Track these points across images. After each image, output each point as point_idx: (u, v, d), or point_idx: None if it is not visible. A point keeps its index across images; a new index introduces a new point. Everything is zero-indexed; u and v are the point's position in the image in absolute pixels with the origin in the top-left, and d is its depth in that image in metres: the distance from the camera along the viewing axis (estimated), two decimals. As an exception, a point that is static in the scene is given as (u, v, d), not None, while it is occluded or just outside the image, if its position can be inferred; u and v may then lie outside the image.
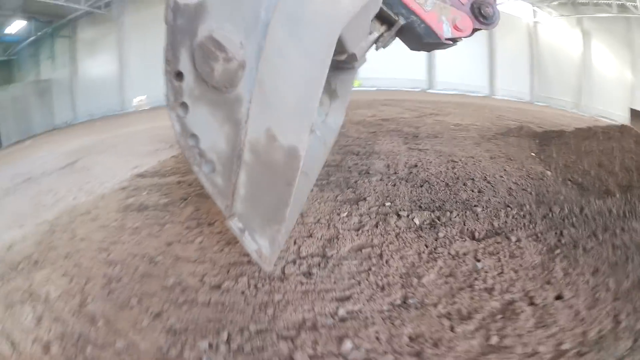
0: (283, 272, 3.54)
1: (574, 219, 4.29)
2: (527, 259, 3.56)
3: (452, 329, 2.76)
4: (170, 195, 5.83)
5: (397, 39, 4.14)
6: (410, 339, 2.70)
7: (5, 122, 25.31)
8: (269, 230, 2.72)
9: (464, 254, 3.68)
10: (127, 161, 9.13)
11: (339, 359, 2.55)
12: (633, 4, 22.95)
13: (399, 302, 3.08)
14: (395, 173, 5.99)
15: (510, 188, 5.21)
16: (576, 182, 5.43)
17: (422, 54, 28.34)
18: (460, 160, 6.63)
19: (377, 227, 4.24)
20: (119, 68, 29.14)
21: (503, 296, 3.07)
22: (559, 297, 3.02)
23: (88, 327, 3.10)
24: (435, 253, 3.72)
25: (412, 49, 4.25)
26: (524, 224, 4.21)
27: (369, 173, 6.02)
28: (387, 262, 3.62)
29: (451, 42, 3.90)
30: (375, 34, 3.78)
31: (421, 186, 5.39)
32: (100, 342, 2.93)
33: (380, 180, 5.67)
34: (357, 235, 4.10)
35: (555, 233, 3.99)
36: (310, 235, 4.13)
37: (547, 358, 2.48)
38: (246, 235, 2.74)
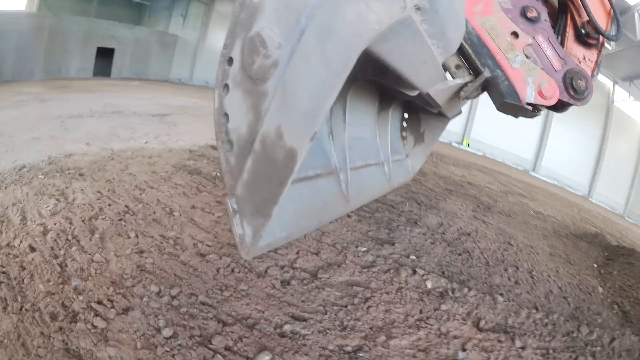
0: (266, 270, 3.56)
1: (598, 348, 3.85)
2: None
3: None
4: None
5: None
6: None
7: (121, 57, 26.91)
8: (255, 222, 2.77)
9: (454, 337, 3.31)
10: (211, 131, 9.37)
11: None
12: None
13: (349, 349, 2.86)
14: (443, 234, 5.70)
15: (550, 291, 4.72)
16: (623, 309, 4.85)
17: (535, 134, 27.44)
18: (517, 245, 6.20)
19: (385, 273, 4.02)
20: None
21: None
22: None
23: (85, 235, 3.54)
24: (425, 322, 3.41)
25: (497, 108, 3.98)
26: (541, 333, 3.77)
27: (416, 224, 5.74)
28: (368, 308, 3.41)
29: (532, 109, 3.60)
30: (459, 81, 3.61)
31: (460, 254, 5.06)
32: (85, 248, 3.33)
33: (423, 234, 5.41)
34: (360, 272, 3.95)
35: (570, 356, 3.58)
36: (317, 254, 4.07)
37: None
38: (237, 218, 2.81)
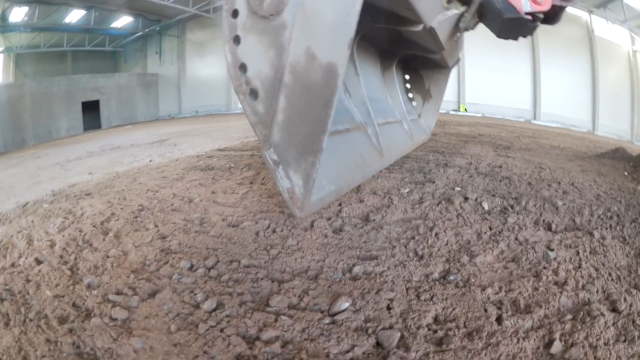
0: (311, 224, 3.21)
1: None
2: (611, 258, 2.89)
3: (499, 320, 2.09)
4: (237, 163, 5.84)
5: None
6: (435, 320, 2.10)
7: (107, 107, 27.42)
8: (304, 164, 2.66)
9: (535, 242, 3.05)
10: (214, 141, 9.51)
11: (324, 317, 2.03)
12: None
13: (436, 276, 2.54)
14: (476, 169, 5.54)
15: (598, 195, 4.62)
16: None
17: (527, 84, 27.24)
18: (549, 168, 6.11)
19: (438, 205, 3.77)
20: (227, 71, 30.30)
21: (577, 294, 2.35)
22: None
23: (98, 237, 3.18)
24: (499, 236, 3.14)
25: (496, 34, 3.97)
26: (611, 225, 3.60)
27: (447, 165, 5.61)
28: (436, 234, 3.11)
29: (531, 20, 3.67)
30: (455, 11, 3.72)
31: (500, 181, 4.87)
32: (98, 247, 2.97)
33: (458, 172, 5.22)
34: (412, 208, 3.65)
35: None
36: (360, 202, 3.76)
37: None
38: (280, 170, 2.72)
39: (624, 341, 1.97)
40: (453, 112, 25.32)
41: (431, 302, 2.20)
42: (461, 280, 2.48)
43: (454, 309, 2.16)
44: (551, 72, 26.96)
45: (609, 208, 4.05)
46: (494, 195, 4.19)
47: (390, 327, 1.97)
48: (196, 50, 31.26)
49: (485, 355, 1.80)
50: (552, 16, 3.83)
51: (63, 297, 2.24)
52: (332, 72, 2.42)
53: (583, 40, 27.61)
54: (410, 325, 1.99)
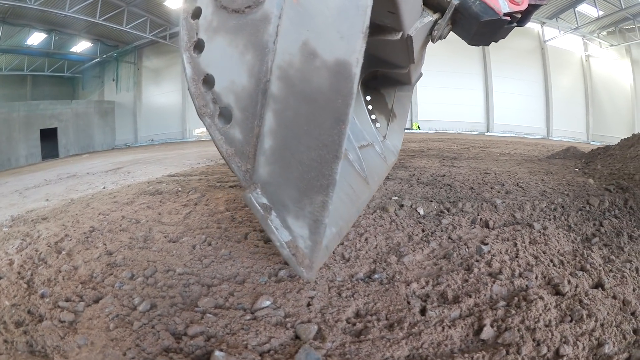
0: (245, 236, 3.38)
1: (616, 211, 4.03)
2: (553, 245, 3.06)
3: (422, 311, 2.18)
4: (185, 187, 6.03)
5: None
6: (356, 314, 2.20)
7: (65, 135, 27.07)
8: (310, 205, 2.11)
9: (469, 239, 3.20)
10: (166, 168, 9.81)
11: (246, 314, 2.16)
12: None
13: (361, 275, 2.64)
14: (418, 179, 5.70)
15: (544, 191, 4.81)
16: (621, 186, 5.00)
17: (479, 97, 28.08)
18: (495, 172, 6.30)
19: (372, 214, 3.86)
20: (182, 98, 30.28)
21: (513, 281, 2.47)
22: (598, 286, 2.45)
23: (52, 255, 3.34)
24: (432, 236, 3.29)
25: (468, 41, 3.97)
26: (555, 216, 3.84)
27: (387, 179, 5.64)
28: (366, 239, 3.23)
29: (509, 21, 3.59)
30: (430, 18, 3.51)
31: (441, 188, 5.06)
32: (52, 264, 3.13)
33: (398, 183, 5.35)
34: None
35: (594, 224, 3.65)
36: None
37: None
38: (273, 218, 2.18)
39: (570, 321, 2.06)
40: (406, 131, 25.94)
41: (352, 299, 2.31)
42: (386, 278, 2.59)
43: (375, 304, 2.26)
44: (503, 85, 28.01)
45: (553, 201, 4.24)
46: (431, 201, 4.29)
47: (309, 321, 2.08)
48: (152, 78, 31.15)
49: (406, 344, 1.88)
50: (523, 17, 3.71)
51: (19, 305, 2.41)
52: (343, 73, 1.91)
53: (535, 51, 28.96)
54: (328, 319, 2.10)
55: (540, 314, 2.08)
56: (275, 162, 2.13)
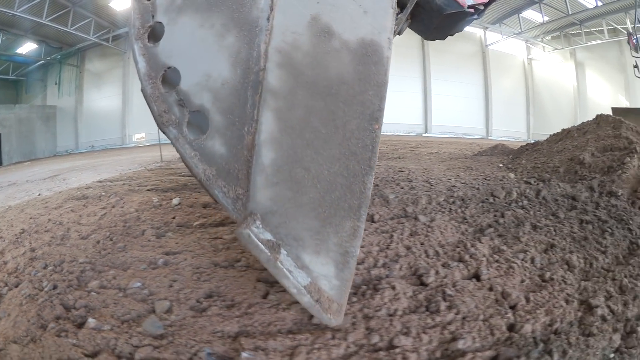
0: (142, 233, 3.90)
1: (525, 202, 4.13)
2: (435, 237, 3.15)
3: (265, 296, 2.41)
4: (108, 191, 6.47)
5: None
6: (208, 295, 2.52)
7: (8, 142, 26.18)
8: (335, 236, 1.71)
9: None
10: (99, 175, 10.24)
11: (120, 292, 2.64)
12: (623, 26, 22.94)
13: (225, 264, 3.01)
14: None
15: (453, 186, 4.80)
16: (542, 179, 5.08)
17: (418, 99, 28.72)
18: (409, 170, 6.35)
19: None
20: (122, 103, 29.50)
21: (370, 271, 2.59)
22: (473, 277, 2.54)
23: None
24: None
25: (426, 36, 3.88)
26: (451, 209, 3.92)
27: None
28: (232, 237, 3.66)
29: (473, 13, 3.51)
30: None
31: None
32: None
33: None
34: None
35: (495, 215, 3.74)
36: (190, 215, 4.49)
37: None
38: (284, 258, 1.72)
39: (425, 312, 2.11)
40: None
41: (208, 282, 2.67)
42: (245, 265, 2.91)
43: (226, 287, 2.58)
44: (443, 87, 28.71)
45: (453, 194, 4.27)
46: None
47: (165, 299, 2.46)
48: (94, 81, 30.07)
49: (238, 322, 2.15)
50: (485, 6, 3.65)
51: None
52: (373, 57, 1.60)
53: (476, 55, 29.76)
54: (181, 298, 2.48)
55: (385, 303, 2.14)
56: (280, 182, 1.67)
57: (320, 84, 1.59)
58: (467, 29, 25.09)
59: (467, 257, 2.76)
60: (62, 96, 29.78)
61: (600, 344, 1.88)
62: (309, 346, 1.86)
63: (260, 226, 1.66)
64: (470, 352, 1.79)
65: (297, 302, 1.99)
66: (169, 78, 1.84)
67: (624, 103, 25.46)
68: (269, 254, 1.66)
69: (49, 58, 28.74)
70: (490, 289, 2.34)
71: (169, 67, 1.79)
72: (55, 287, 2.79)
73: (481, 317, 2.07)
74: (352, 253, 1.71)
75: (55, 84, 29.69)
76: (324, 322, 1.85)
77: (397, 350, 1.80)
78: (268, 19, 1.65)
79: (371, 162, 1.63)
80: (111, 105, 29.54)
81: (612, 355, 1.84)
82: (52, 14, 22.76)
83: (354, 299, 2.24)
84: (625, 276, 2.56)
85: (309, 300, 1.74)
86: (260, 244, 1.65)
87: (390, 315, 2.07)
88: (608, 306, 2.20)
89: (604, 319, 2.09)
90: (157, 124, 1.84)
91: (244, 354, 1.83)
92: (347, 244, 1.69)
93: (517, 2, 24.95)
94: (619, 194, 4.25)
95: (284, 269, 1.69)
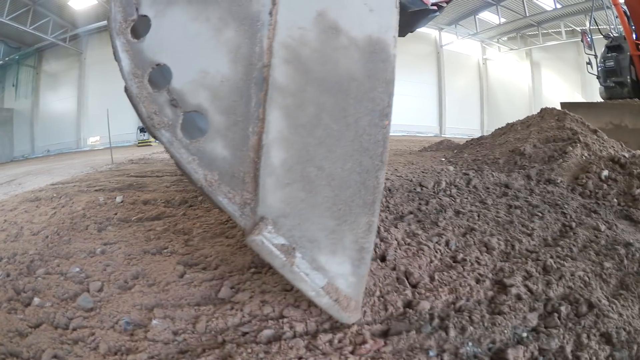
0: (86, 227, 4.42)
1: (454, 190, 4.31)
2: None
3: (182, 275, 2.89)
4: (59, 193, 6.87)
5: None
6: (135, 276, 2.93)
7: None
8: (351, 233, 1.71)
9: None
10: (53, 178, 10.55)
11: (61, 276, 3.07)
12: (582, 27, 23.24)
13: (154, 251, 3.46)
14: None
15: (386, 179, 4.81)
16: (480, 170, 5.20)
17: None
18: None
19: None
20: (77, 106, 29.19)
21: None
22: (378, 258, 2.76)
23: None
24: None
25: None
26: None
27: None
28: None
29: (436, 10, 3.61)
30: None
31: None
32: None
33: None
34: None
35: (419, 204, 3.88)
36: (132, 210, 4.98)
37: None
38: (299, 262, 1.70)
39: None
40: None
41: (136, 266, 3.11)
42: (170, 252, 3.40)
43: (151, 270, 3.01)
44: (397, 86, 29.12)
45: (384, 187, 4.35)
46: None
47: (98, 280, 2.89)
48: (50, 83, 29.53)
49: (155, 296, 2.56)
50: (446, 3, 3.74)
51: None
52: (380, 55, 1.66)
53: (430, 55, 30.41)
54: (111, 279, 2.91)
55: (283, 280, 2.25)
56: (292, 183, 1.65)
57: (330, 81, 1.61)
58: (422, 29, 25.86)
59: (377, 240, 2.85)
60: (19, 98, 29.08)
61: (511, 322, 1.91)
62: (210, 315, 2.24)
63: (273, 231, 1.65)
64: (358, 324, 1.87)
65: (209, 280, 2.56)
66: (157, 76, 1.77)
67: (580, 100, 26.43)
68: (284, 258, 1.65)
69: (7, 59, 28.08)
70: (394, 269, 2.50)
71: (157, 64, 1.70)
72: (8, 275, 3.24)
73: (377, 293, 2.20)
74: (367, 249, 1.73)
75: (13, 85, 28.96)
76: (342, 321, 1.83)
77: (285, 320, 2.02)
78: (270, 13, 1.63)
79: (383, 158, 1.68)
80: (67, 107, 29.16)
81: (524, 334, 1.85)
82: (12, 12, 22.38)
83: (255, 277, 2.64)
84: (552, 257, 2.64)
85: (328, 301, 1.72)
86: (274, 249, 1.64)
87: (286, 290, 2.35)
88: (526, 285, 2.26)
89: (518, 297, 2.13)
90: (147, 127, 1.73)
91: (154, 321, 2.24)
92: (363, 240, 1.70)
93: (474, 4, 25.77)
94: (558, 181, 4.43)
95: (301, 273, 1.68)
